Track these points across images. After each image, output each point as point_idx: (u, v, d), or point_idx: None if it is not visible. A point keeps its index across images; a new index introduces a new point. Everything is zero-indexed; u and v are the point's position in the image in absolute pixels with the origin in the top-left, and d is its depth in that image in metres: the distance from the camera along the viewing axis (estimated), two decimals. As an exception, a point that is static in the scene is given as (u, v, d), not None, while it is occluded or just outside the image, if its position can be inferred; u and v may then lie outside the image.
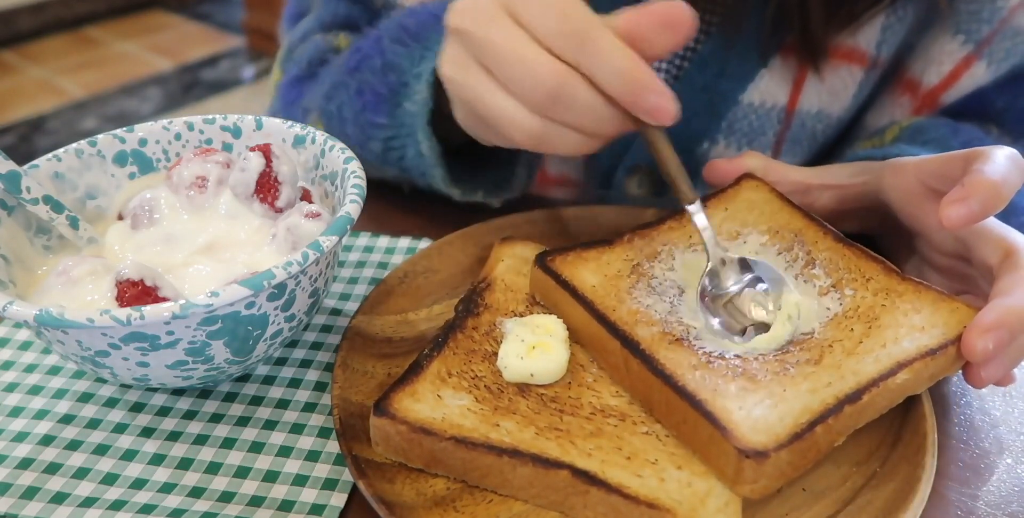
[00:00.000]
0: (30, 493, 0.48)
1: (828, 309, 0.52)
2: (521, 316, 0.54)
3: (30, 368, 0.58)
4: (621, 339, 0.49)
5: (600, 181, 0.84)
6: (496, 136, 0.54)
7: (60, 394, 0.56)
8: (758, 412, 0.44)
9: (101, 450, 0.51)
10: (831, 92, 0.74)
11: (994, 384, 0.51)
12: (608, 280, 0.53)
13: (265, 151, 0.54)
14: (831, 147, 0.81)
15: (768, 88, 0.75)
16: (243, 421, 0.53)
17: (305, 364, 0.58)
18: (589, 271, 0.54)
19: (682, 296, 0.52)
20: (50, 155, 0.57)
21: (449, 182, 0.65)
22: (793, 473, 0.45)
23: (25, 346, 0.60)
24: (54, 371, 0.57)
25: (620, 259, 0.55)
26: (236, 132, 0.61)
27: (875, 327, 0.50)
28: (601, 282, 0.53)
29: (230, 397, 0.55)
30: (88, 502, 0.48)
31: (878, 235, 0.62)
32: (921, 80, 0.74)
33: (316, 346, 0.59)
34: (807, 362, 0.48)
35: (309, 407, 0.54)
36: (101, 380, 0.56)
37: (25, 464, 0.50)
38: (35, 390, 0.56)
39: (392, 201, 0.74)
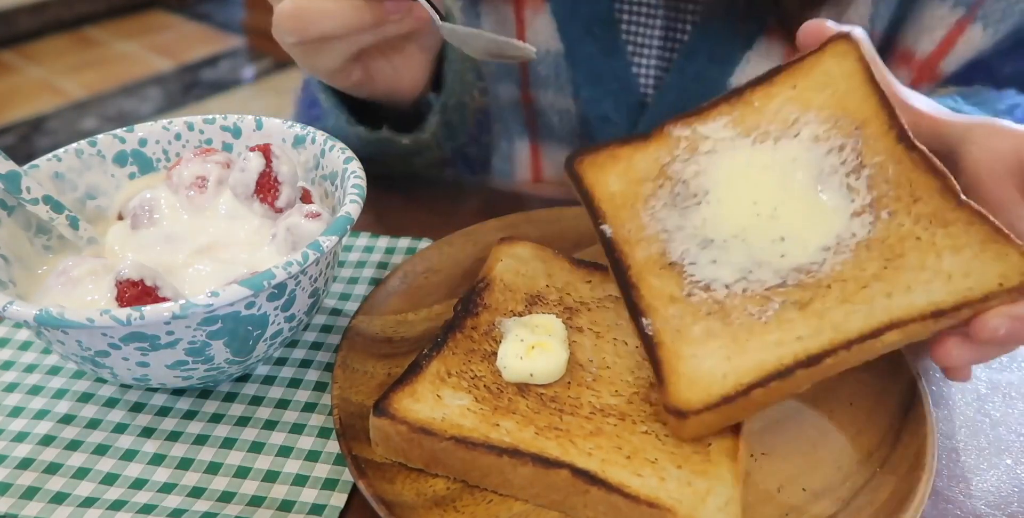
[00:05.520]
0: (30, 493, 0.48)
1: (853, 235, 0.45)
2: (520, 316, 0.54)
3: (30, 368, 0.58)
4: (613, 263, 0.49)
5: None
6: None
7: (60, 394, 0.56)
8: (708, 364, 0.44)
9: (101, 450, 0.51)
10: None
11: (947, 374, 0.47)
12: (631, 185, 0.50)
13: (265, 151, 0.54)
14: None
15: (756, 71, 0.74)
16: (243, 421, 0.53)
17: (305, 364, 0.58)
18: (615, 174, 0.51)
19: (699, 206, 0.48)
20: (50, 155, 0.57)
21: (353, 122, 0.70)
22: (726, 423, 0.45)
23: (25, 346, 0.60)
24: (54, 371, 0.57)
25: (651, 159, 0.51)
26: (236, 132, 0.61)
27: (892, 268, 0.43)
28: (622, 189, 0.50)
29: (230, 397, 0.55)
30: (88, 502, 0.48)
31: None
32: (915, 50, 0.74)
33: (316, 346, 0.59)
34: (793, 305, 0.44)
35: (309, 407, 0.54)
36: (101, 380, 0.56)
37: (25, 464, 0.50)
38: (35, 390, 0.56)
39: (392, 201, 0.74)
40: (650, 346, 0.45)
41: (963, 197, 0.44)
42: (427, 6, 0.57)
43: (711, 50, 0.75)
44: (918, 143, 0.46)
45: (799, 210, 0.47)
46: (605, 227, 0.50)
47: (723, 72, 0.76)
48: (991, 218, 0.43)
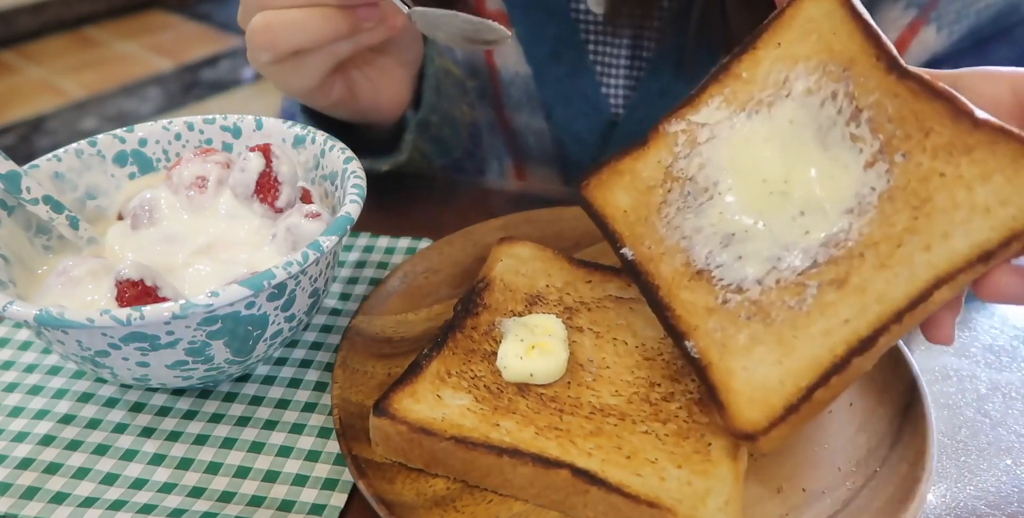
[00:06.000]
0: (30, 493, 0.48)
1: (873, 189, 0.41)
2: (520, 316, 0.54)
3: (30, 368, 0.58)
4: (642, 287, 0.47)
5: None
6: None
7: (60, 394, 0.56)
8: (761, 372, 0.42)
9: (101, 450, 0.51)
10: None
11: (931, 337, 0.43)
12: (640, 196, 0.49)
13: (265, 151, 0.54)
14: None
15: None
16: (243, 421, 0.53)
17: (305, 364, 0.58)
18: (622, 189, 0.49)
19: (711, 200, 0.46)
20: (50, 155, 0.57)
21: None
22: (799, 429, 0.43)
23: (25, 346, 0.60)
24: (54, 371, 0.57)
25: (653, 163, 0.49)
26: (236, 132, 0.61)
27: (923, 216, 0.39)
28: (632, 203, 0.49)
29: (230, 397, 0.55)
30: (88, 502, 0.48)
31: None
32: None
33: (316, 346, 0.59)
34: (830, 284, 0.41)
35: (309, 407, 0.54)
36: (101, 380, 0.56)
37: (25, 464, 0.50)
38: (35, 390, 0.56)
39: (392, 201, 0.74)
40: (699, 369, 0.43)
41: (979, 114, 0.39)
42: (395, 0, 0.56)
43: (675, 66, 0.75)
44: (911, 68, 0.42)
45: (810, 176, 0.43)
46: (625, 251, 0.49)
47: (689, 87, 0.75)
48: (1016, 132, 0.38)
